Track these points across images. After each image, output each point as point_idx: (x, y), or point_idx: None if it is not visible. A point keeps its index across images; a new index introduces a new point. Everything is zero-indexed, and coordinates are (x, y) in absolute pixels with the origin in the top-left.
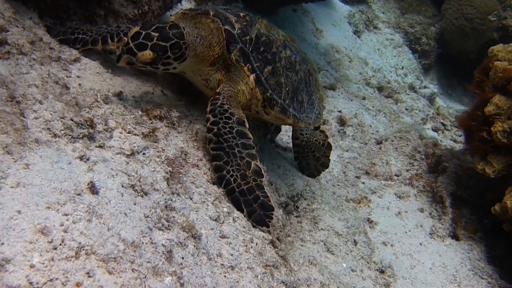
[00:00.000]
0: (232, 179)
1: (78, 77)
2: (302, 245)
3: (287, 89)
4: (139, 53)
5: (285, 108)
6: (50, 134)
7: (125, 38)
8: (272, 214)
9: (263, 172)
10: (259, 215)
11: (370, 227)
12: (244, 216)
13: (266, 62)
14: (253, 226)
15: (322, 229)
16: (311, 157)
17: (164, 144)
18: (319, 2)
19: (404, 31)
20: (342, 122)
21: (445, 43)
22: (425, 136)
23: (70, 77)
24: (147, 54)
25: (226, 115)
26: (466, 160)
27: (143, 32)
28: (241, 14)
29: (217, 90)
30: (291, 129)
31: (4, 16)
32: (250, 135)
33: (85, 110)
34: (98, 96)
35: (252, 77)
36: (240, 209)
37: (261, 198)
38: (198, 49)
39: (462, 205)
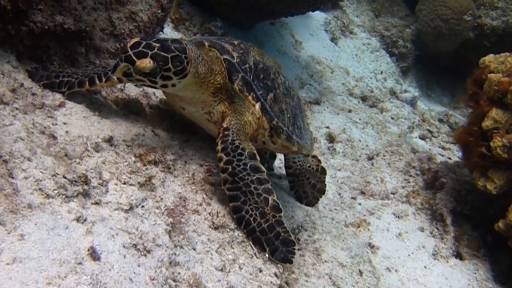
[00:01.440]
0: (251, 218)
1: (65, 123)
2: (307, 281)
3: (288, 115)
4: (138, 61)
5: (290, 135)
6: (43, 195)
7: (114, 77)
8: (295, 249)
9: (280, 206)
10: (282, 252)
11: (372, 253)
12: (267, 254)
13: (267, 89)
14: (274, 262)
15: (325, 261)
16: (307, 184)
17: (162, 191)
18: (298, 15)
19: (380, 35)
20: (331, 138)
21: (422, 45)
22: (417, 149)
23: (56, 124)
24: (147, 62)
25: (239, 151)
26: (463, 173)
27: (144, 42)
28: (235, 42)
29: (225, 125)
30: (283, 157)
31: None
32: (263, 168)
33: (75, 161)
34: (88, 145)
35: (257, 106)
36: (262, 249)
37: (282, 234)
38: (200, 69)
39: (463, 222)
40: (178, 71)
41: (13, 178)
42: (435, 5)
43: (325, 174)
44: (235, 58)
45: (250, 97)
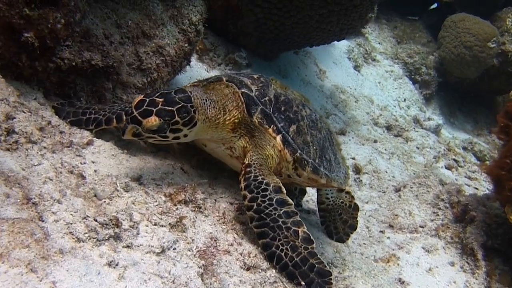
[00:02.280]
0: (283, 254)
1: (93, 162)
2: None
3: (314, 148)
4: (144, 120)
5: (316, 167)
6: (74, 239)
7: None
8: (331, 279)
9: (312, 237)
10: (318, 283)
11: None
12: (298, 286)
13: (290, 122)
14: None
15: None
16: (338, 220)
17: (193, 232)
18: (323, 44)
19: (403, 62)
20: (357, 170)
21: (445, 72)
22: (445, 181)
23: (84, 163)
24: (153, 120)
25: (263, 187)
26: (493, 206)
27: (147, 99)
28: (255, 76)
29: (246, 162)
30: (315, 192)
31: (9, 102)
32: (290, 201)
33: (105, 201)
34: (118, 185)
35: (278, 138)
36: (297, 283)
37: (316, 265)
38: (209, 113)
39: (494, 256)
40: (186, 122)
41: (43, 221)
42: (458, 32)
43: (358, 210)
44: (254, 91)
45: (270, 130)
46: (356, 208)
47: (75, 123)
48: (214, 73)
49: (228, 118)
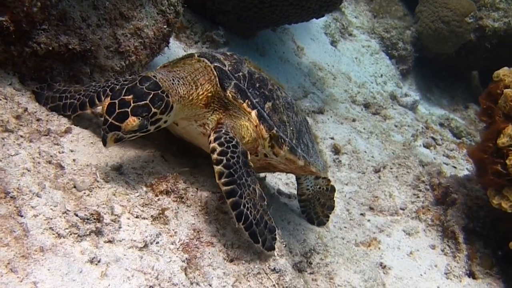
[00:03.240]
0: (249, 212)
1: (72, 151)
2: None
3: (291, 128)
4: (122, 124)
5: (294, 148)
6: (54, 235)
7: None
8: (275, 234)
9: (263, 194)
10: (269, 240)
11: (384, 273)
12: (259, 246)
13: (265, 98)
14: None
15: (339, 285)
16: (317, 205)
17: (175, 224)
18: (302, 22)
19: (380, 37)
20: (336, 150)
21: (422, 47)
22: (425, 161)
23: (63, 152)
24: (131, 121)
25: (233, 143)
26: (474, 188)
27: (116, 101)
28: (228, 53)
29: (218, 122)
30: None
31: None
32: (251, 164)
33: (85, 193)
34: (98, 175)
35: (253, 113)
36: (256, 241)
37: (268, 222)
38: (181, 91)
39: (475, 239)
40: (163, 109)
41: (22, 216)
42: (436, 6)
43: (334, 191)
44: (227, 66)
45: (244, 104)
46: (333, 190)
47: (54, 109)
48: (191, 51)
49: (201, 92)
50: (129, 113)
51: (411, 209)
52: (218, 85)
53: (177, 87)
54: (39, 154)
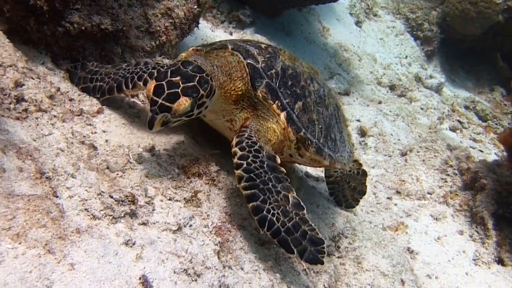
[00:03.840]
0: (274, 218)
1: (104, 131)
2: None
3: (320, 126)
4: (173, 105)
5: (320, 148)
6: (89, 216)
7: (139, 83)
8: (324, 248)
9: (302, 203)
10: (311, 252)
11: (411, 258)
12: (295, 257)
13: (296, 98)
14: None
15: (367, 270)
16: (347, 188)
17: (208, 207)
18: (329, 3)
19: (405, 17)
20: (362, 132)
21: (448, 28)
22: (452, 145)
23: (95, 133)
24: (184, 101)
25: (255, 147)
26: (504, 174)
27: (164, 82)
28: (263, 46)
29: (244, 124)
30: None
31: (18, 68)
32: (282, 169)
33: (118, 174)
34: (131, 156)
35: (283, 115)
36: (289, 251)
37: (309, 232)
38: (221, 77)
39: (504, 225)
40: (208, 92)
41: (57, 197)
42: None
43: (366, 176)
44: (260, 62)
45: (274, 106)
46: (364, 174)
47: (85, 90)
48: (218, 32)
49: (233, 88)
50: (180, 93)
51: (439, 193)
52: (249, 84)
53: (218, 73)
54: (72, 134)
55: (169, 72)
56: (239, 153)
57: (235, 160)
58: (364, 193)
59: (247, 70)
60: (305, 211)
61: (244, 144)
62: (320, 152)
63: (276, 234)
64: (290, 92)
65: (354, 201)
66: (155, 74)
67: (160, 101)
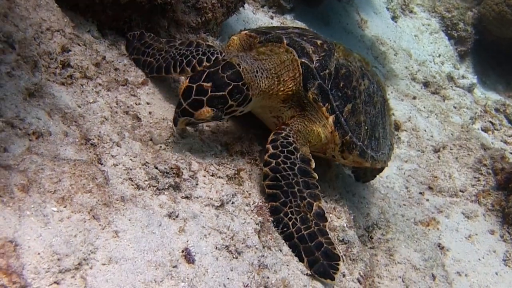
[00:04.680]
0: (290, 222)
1: (148, 103)
2: (379, 282)
3: (365, 128)
4: (196, 112)
5: (364, 150)
6: (133, 185)
7: (188, 68)
8: (338, 264)
9: (326, 215)
10: (322, 265)
11: (442, 254)
12: (305, 266)
13: (346, 100)
14: (315, 278)
15: (398, 262)
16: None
17: (249, 186)
18: None
19: (441, 16)
20: (396, 126)
21: (483, 30)
22: (487, 145)
23: (139, 104)
24: (205, 111)
25: (289, 148)
26: None
27: (194, 86)
28: (319, 42)
29: (286, 122)
30: None
31: (65, 33)
32: (315, 175)
33: (161, 147)
34: (174, 130)
35: (331, 119)
36: (300, 258)
37: (325, 245)
38: (263, 84)
39: None
40: (240, 102)
41: (102, 164)
42: None
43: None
44: (314, 62)
45: (324, 108)
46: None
47: (136, 61)
48: (259, 15)
49: (282, 89)
50: (205, 102)
51: (471, 192)
52: (301, 85)
53: (260, 81)
54: (117, 104)
55: (204, 75)
56: (271, 151)
57: (265, 157)
58: (382, 170)
59: (301, 70)
60: (327, 223)
61: (278, 142)
62: (363, 155)
63: (288, 238)
64: (341, 94)
65: (372, 177)
66: (204, 62)
67: (184, 105)
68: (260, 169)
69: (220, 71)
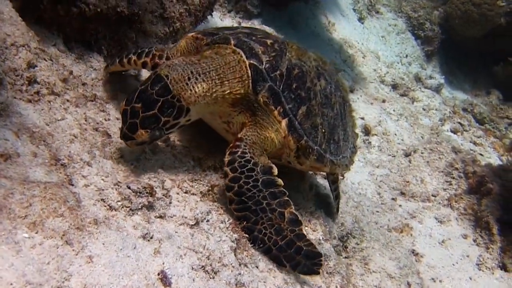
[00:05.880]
0: (266, 238)
1: (117, 119)
2: None
3: (323, 130)
4: (135, 135)
5: (321, 155)
6: (106, 206)
7: (125, 60)
8: (321, 260)
9: (300, 218)
10: (305, 265)
11: (416, 261)
12: (287, 270)
13: (300, 102)
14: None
15: (374, 271)
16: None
17: (224, 202)
18: None
19: (407, 16)
20: (367, 131)
21: (449, 29)
22: (458, 148)
23: (108, 119)
24: (141, 134)
25: (249, 166)
26: (509, 178)
27: (128, 108)
28: (269, 42)
29: (239, 136)
30: None
31: (31, 48)
32: (279, 181)
33: (132, 164)
34: (145, 146)
35: (284, 122)
36: (282, 265)
37: (304, 248)
38: (198, 90)
39: (509, 232)
40: (176, 115)
41: (73, 185)
42: None
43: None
44: (264, 63)
45: (276, 112)
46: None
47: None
48: (227, 21)
49: (228, 91)
50: (138, 125)
51: (443, 196)
52: (250, 87)
53: (194, 86)
54: (86, 120)
55: (136, 95)
56: (231, 175)
57: (226, 181)
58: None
59: (249, 72)
60: (302, 226)
61: (236, 164)
62: (321, 159)
63: (267, 252)
64: (294, 96)
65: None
66: (142, 58)
67: (124, 129)
68: None
69: (149, 87)
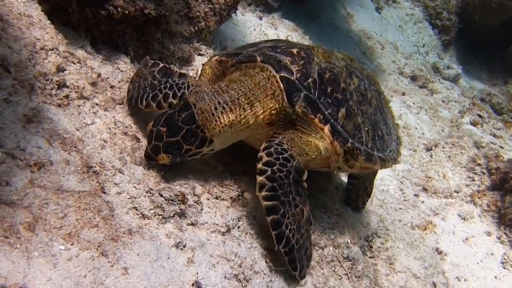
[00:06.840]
0: (291, 234)
1: (146, 122)
2: None
3: (366, 128)
4: (157, 157)
5: (370, 154)
6: (138, 215)
7: (153, 104)
8: (310, 263)
9: (311, 218)
10: (305, 268)
11: (440, 259)
12: (296, 273)
13: (338, 105)
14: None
15: (399, 271)
16: (362, 186)
17: (254, 207)
18: None
19: (424, 5)
20: None
21: (467, 18)
22: (479, 143)
23: (137, 123)
24: (162, 157)
25: (285, 155)
26: None
27: (154, 130)
28: (295, 51)
29: (278, 132)
30: None
31: (60, 52)
32: (305, 185)
33: (162, 170)
34: None
35: (326, 129)
36: (295, 269)
37: (308, 249)
38: (224, 121)
39: None
40: (199, 144)
41: (105, 193)
42: None
43: (377, 173)
44: (295, 73)
45: (316, 120)
46: (376, 171)
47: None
48: (248, 16)
49: (261, 111)
50: (161, 149)
51: (466, 192)
52: (285, 101)
53: (220, 117)
54: (115, 124)
55: (163, 119)
56: (265, 158)
57: (259, 165)
58: (370, 194)
59: (281, 85)
60: (311, 226)
61: (272, 149)
62: (370, 158)
63: (290, 251)
64: (331, 100)
65: (362, 203)
66: (169, 98)
67: (148, 149)
68: None
69: (176, 113)
